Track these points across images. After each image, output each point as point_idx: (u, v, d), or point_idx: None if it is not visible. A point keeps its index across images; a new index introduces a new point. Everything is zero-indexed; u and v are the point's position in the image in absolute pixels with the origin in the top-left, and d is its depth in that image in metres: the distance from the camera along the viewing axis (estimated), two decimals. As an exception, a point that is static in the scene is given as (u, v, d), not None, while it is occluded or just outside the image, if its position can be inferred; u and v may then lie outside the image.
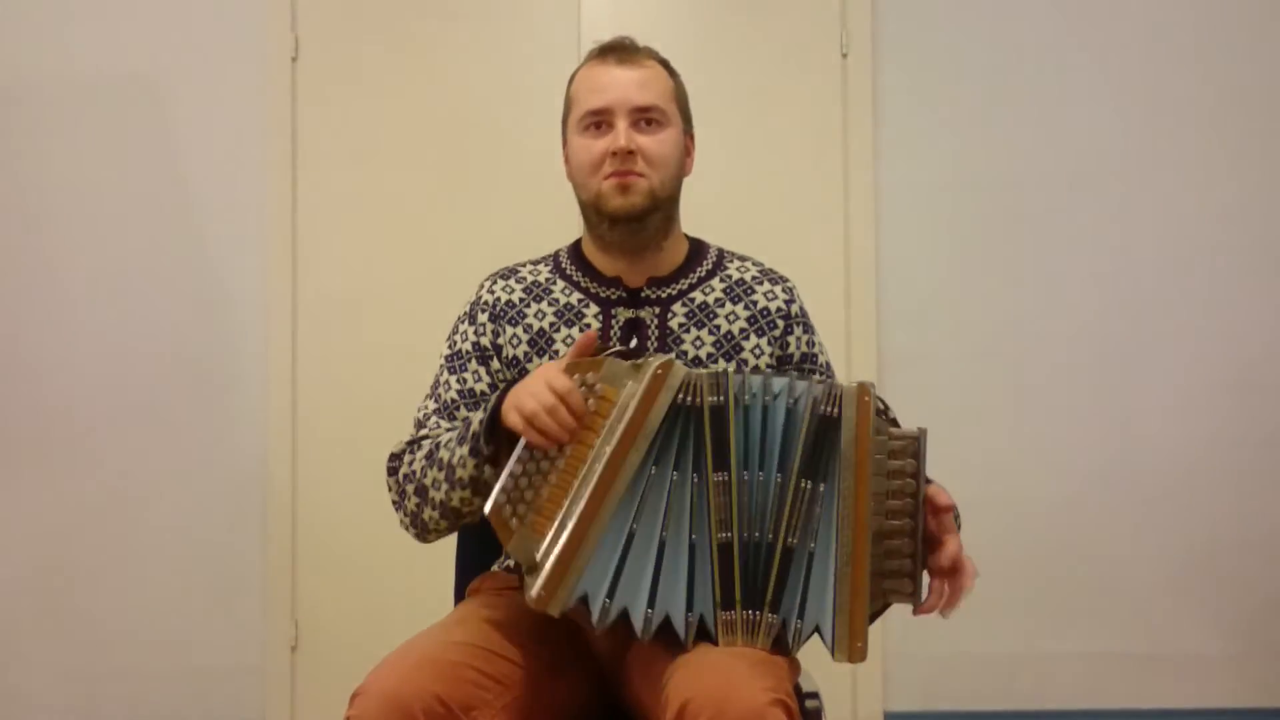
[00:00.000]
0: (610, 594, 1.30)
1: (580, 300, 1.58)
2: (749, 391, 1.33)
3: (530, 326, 1.57)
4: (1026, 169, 2.86)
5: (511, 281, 1.61)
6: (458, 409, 1.53)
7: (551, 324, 1.57)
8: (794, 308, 1.61)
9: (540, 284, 1.60)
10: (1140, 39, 2.87)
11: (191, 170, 2.89)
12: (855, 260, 2.85)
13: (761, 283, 1.62)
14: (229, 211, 2.88)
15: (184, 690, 2.84)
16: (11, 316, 2.87)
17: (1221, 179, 2.85)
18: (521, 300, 1.59)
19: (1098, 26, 2.87)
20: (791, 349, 1.59)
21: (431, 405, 1.56)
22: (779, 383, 1.33)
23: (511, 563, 1.58)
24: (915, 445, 1.32)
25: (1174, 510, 2.83)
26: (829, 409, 1.32)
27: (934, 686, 2.83)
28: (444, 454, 1.43)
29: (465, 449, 1.39)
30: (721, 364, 1.55)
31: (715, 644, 1.31)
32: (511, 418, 1.33)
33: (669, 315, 1.56)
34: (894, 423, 1.40)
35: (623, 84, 1.53)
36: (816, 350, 1.63)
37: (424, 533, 1.50)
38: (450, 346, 1.60)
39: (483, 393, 1.54)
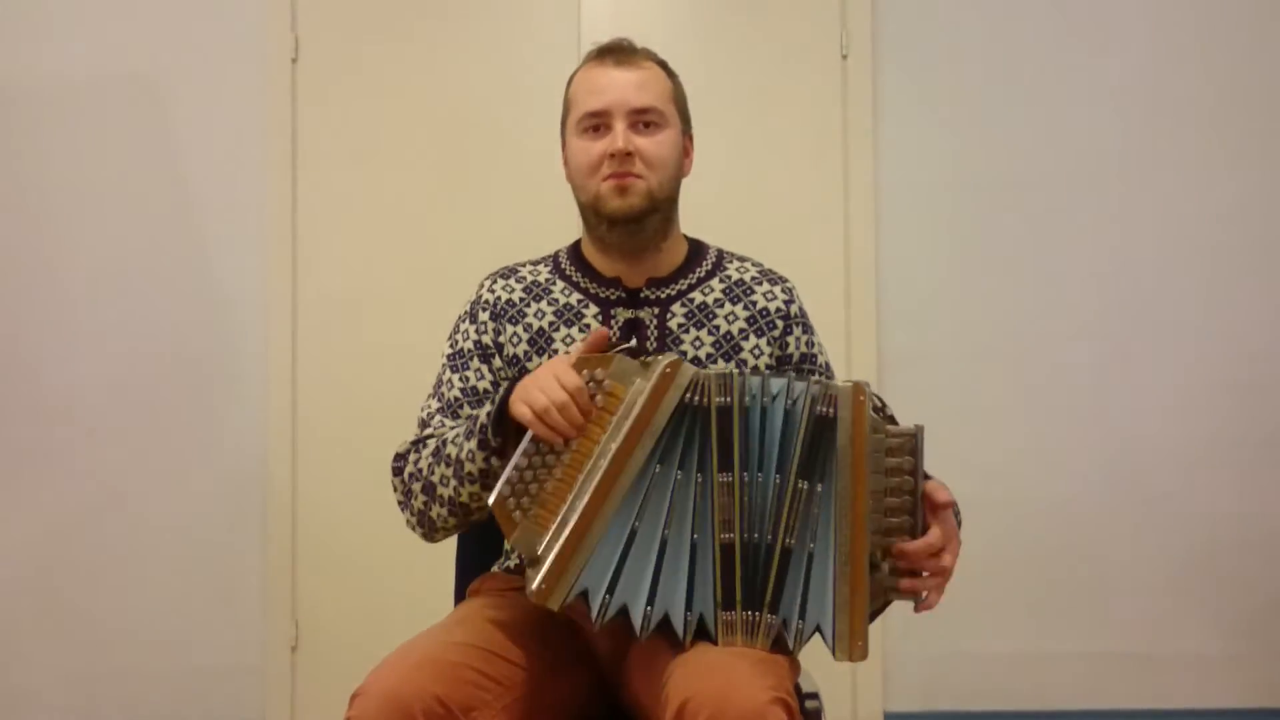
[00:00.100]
0: (610, 590, 1.31)
1: (580, 300, 1.58)
2: (749, 393, 1.33)
3: (530, 326, 1.57)
4: (1026, 169, 2.86)
5: (511, 281, 1.61)
6: (461, 407, 1.54)
7: (551, 323, 1.57)
8: (793, 308, 1.61)
9: (540, 284, 1.60)
10: (1140, 39, 2.87)
11: (191, 170, 2.89)
12: (855, 260, 2.85)
13: (761, 283, 1.62)
14: (229, 211, 2.88)
15: (184, 690, 2.84)
16: (11, 316, 2.87)
17: (1221, 179, 2.85)
18: (521, 299, 1.59)
19: (1098, 26, 2.87)
20: (791, 349, 1.59)
21: (435, 404, 1.56)
22: (777, 383, 1.34)
23: (511, 563, 1.59)
24: (913, 442, 1.33)
25: (1174, 510, 2.83)
26: (824, 409, 1.32)
27: (934, 686, 2.83)
28: (451, 450, 1.43)
29: (473, 443, 1.39)
30: (721, 364, 1.55)
31: (715, 644, 1.31)
32: (520, 409, 1.33)
33: (668, 316, 1.56)
34: (891, 420, 1.40)
35: (620, 85, 1.53)
36: (816, 350, 1.63)
37: (431, 531, 1.50)
38: (452, 345, 1.60)
39: (485, 391, 1.55)
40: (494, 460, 1.38)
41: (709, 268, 1.62)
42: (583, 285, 1.59)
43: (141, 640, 2.84)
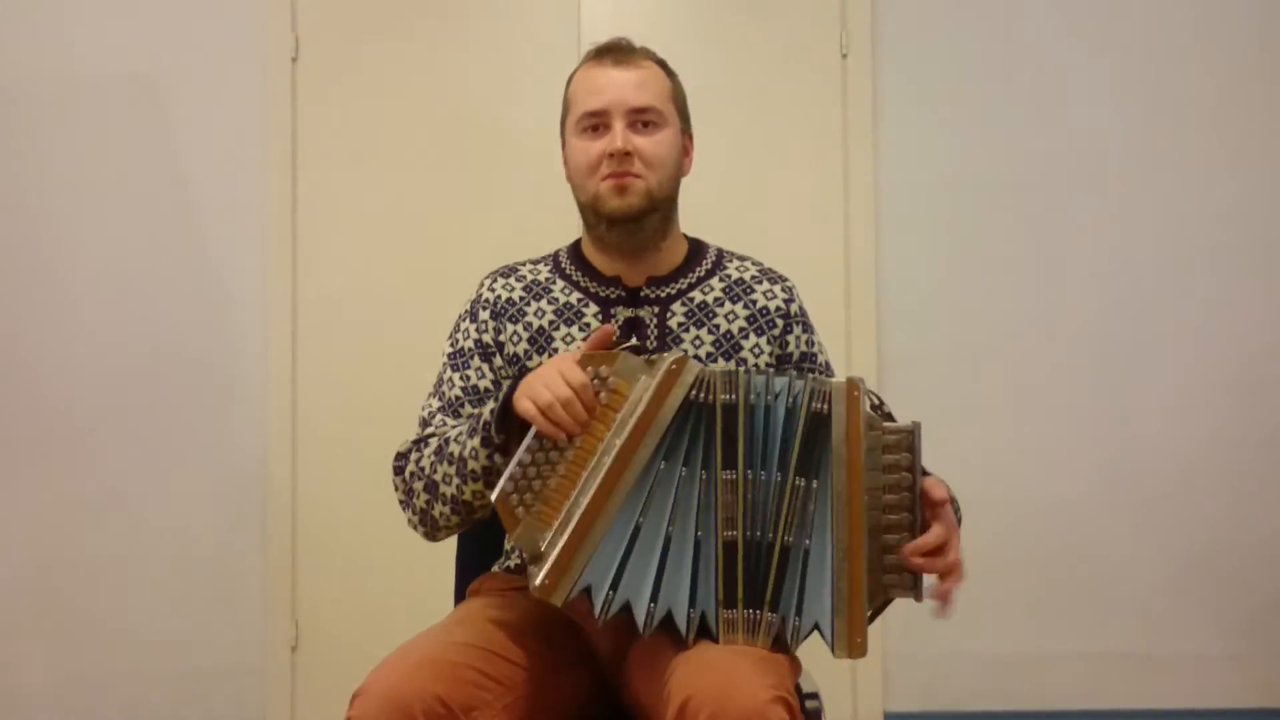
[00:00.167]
0: (614, 587, 1.31)
1: (580, 299, 1.58)
2: (754, 390, 1.33)
3: (530, 324, 1.57)
4: (1026, 169, 2.87)
5: (511, 280, 1.61)
6: (462, 406, 1.54)
7: (551, 322, 1.57)
8: (793, 307, 1.61)
9: (540, 283, 1.60)
10: (1140, 39, 2.87)
11: (191, 170, 2.89)
12: (855, 260, 2.85)
13: (761, 282, 1.62)
14: (229, 211, 2.88)
15: (184, 690, 2.84)
16: (11, 316, 2.87)
17: (1221, 179, 2.85)
18: (521, 298, 1.59)
19: (1098, 26, 2.87)
20: (791, 348, 1.59)
21: (436, 403, 1.56)
22: (780, 382, 1.34)
23: (512, 563, 1.59)
24: (909, 439, 1.32)
25: (1174, 510, 2.83)
26: (819, 406, 1.32)
27: (934, 686, 2.83)
28: (454, 448, 1.43)
29: (476, 440, 1.39)
30: (721, 363, 1.55)
31: (716, 642, 1.31)
32: (524, 405, 1.33)
33: (668, 315, 1.56)
34: (889, 417, 1.39)
35: (619, 85, 1.53)
36: (816, 349, 1.63)
37: (434, 530, 1.50)
38: (452, 345, 1.60)
39: (486, 389, 1.55)
40: (497, 458, 1.38)
41: (709, 267, 1.62)
42: (583, 284, 1.59)
43: (141, 640, 2.84)
